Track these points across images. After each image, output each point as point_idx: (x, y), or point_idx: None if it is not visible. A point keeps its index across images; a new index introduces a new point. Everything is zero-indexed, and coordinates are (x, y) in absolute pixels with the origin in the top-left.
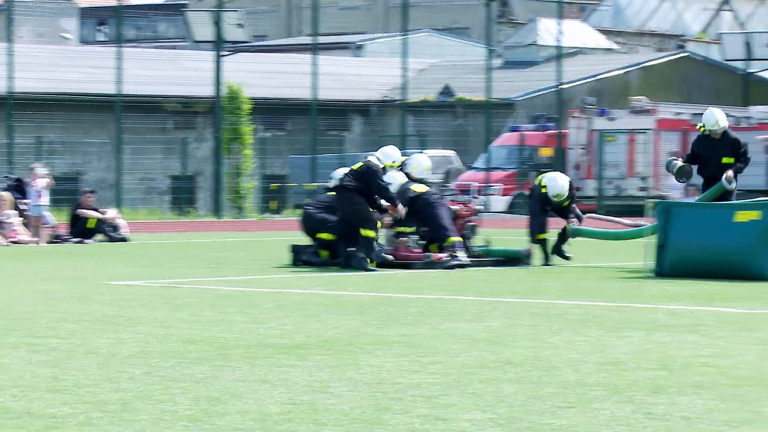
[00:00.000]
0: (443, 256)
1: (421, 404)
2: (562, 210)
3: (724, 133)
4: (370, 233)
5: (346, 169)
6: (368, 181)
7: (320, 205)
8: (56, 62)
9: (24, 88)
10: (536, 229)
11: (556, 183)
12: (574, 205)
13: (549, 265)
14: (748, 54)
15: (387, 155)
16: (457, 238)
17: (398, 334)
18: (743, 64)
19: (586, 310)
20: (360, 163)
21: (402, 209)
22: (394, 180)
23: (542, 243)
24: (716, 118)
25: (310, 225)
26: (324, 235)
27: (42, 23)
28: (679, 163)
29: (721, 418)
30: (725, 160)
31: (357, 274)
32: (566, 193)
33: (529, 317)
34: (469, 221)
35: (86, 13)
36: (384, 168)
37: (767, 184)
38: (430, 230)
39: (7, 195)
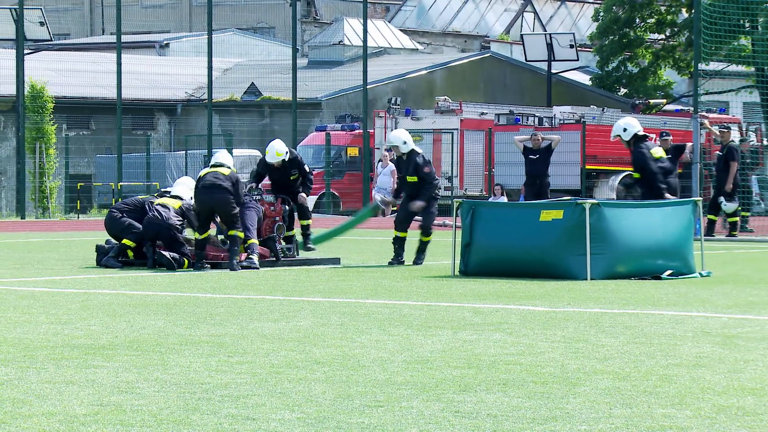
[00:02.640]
0: (243, 257)
1: (229, 404)
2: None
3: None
4: (240, 234)
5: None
6: (237, 191)
7: (125, 208)
8: None
9: None
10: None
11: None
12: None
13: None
14: (549, 55)
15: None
16: (254, 240)
17: (206, 334)
18: (546, 64)
19: (393, 310)
20: (233, 169)
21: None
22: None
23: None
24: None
25: (114, 228)
26: (127, 242)
27: None
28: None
29: (528, 416)
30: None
31: (163, 275)
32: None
33: (337, 317)
34: (277, 221)
35: None
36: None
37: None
38: None
39: None
